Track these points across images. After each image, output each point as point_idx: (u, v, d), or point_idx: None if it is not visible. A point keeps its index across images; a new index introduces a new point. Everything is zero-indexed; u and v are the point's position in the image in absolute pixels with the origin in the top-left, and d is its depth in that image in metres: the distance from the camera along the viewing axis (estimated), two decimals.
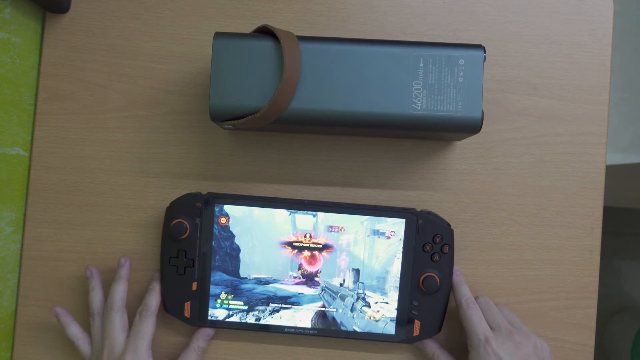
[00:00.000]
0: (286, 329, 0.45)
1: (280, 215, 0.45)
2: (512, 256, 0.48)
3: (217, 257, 0.45)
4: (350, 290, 0.45)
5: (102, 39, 0.49)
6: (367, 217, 0.45)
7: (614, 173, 1.06)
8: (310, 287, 0.45)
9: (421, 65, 0.39)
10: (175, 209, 0.45)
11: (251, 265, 0.45)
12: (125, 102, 0.48)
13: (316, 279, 0.45)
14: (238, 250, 0.45)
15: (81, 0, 0.49)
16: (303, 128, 0.43)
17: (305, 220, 0.45)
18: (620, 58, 1.29)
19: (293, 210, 0.45)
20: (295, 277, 0.45)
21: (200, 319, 0.45)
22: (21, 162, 0.48)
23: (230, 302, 0.45)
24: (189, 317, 0.45)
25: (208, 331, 0.46)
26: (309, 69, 0.39)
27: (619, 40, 1.29)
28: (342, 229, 0.45)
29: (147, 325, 0.43)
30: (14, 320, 0.48)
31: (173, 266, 0.45)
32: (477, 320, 0.42)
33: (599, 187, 0.48)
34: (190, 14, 0.49)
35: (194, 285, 0.45)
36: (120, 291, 0.44)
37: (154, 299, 0.44)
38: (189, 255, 0.45)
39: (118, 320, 0.43)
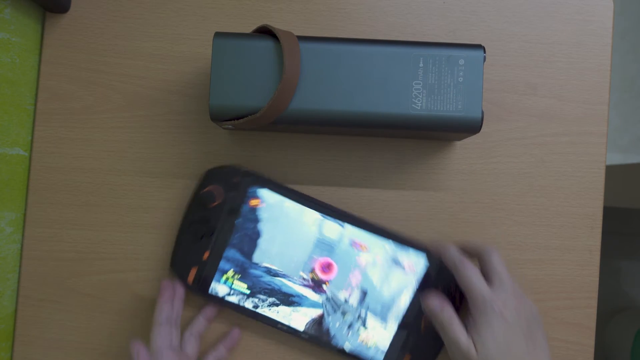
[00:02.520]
0: (279, 325, 0.45)
1: (311, 216, 0.45)
2: (512, 256, 0.48)
3: (237, 235, 0.45)
4: (353, 308, 0.45)
5: (102, 39, 0.49)
6: (392, 243, 0.45)
7: (614, 173, 1.06)
8: (315, 292, 0.45)
9: (421, 65, 0.39)
10: (213, 176, 0.45)
11: (266, 254, 0.45)
12: (125, 102, 0.48)
13: (324, 286, 0.45)
14: (259, 235, 0.45)
15: (81, 0, 0.49)
16: (303, 128, 0.43)
17: (332, 228, 0.45)
18: (620, 58, 1.29)
19: (325, 215, 0.45)
20: (304, 279, 0.45)
21: (201, 288, 0.45)
22: (21, 162, 0.48)
23: (235, 281, 0.45)
24: (191, 283, 0.45)
25: (209, 313, 0.46)
26: (309, 69, 0.39)
27: (619, 40, 1.29)
28: (365, 248, 0.45)
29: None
30: (14, 320, 0.48)
31: (192, 230, 0.45)
32: (476, 281, 0.39)
33: (599, 187, 0.48)
34: (190, 14, 0.49)
35: (206, 255, 0.45)
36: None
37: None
38: (211, 224, 0.45)
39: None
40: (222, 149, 0.48)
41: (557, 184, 0.48)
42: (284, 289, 0.45)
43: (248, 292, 0.45)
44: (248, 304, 0.45)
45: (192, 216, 0.45)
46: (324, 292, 0.45)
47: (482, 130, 0.48)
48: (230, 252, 0.45)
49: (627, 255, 1.25)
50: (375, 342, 0.45)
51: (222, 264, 0.45)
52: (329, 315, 0.45)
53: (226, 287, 0.45)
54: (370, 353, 0.45)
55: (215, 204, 0.44)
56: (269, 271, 0.45)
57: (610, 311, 1.23)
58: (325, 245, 0.45)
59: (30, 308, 0.48)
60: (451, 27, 0.49)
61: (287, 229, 0.45)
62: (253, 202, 0.45)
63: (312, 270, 0.45)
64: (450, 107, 0.39)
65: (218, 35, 0.40)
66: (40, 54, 0.49)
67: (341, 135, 0.48)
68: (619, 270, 1.25)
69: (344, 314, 0.45)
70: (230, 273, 0.45)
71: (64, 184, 0.48)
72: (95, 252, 0.48)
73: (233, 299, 0.45)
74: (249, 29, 0.48)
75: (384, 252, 0.45)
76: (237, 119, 0.40)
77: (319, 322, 0.45)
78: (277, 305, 0.45)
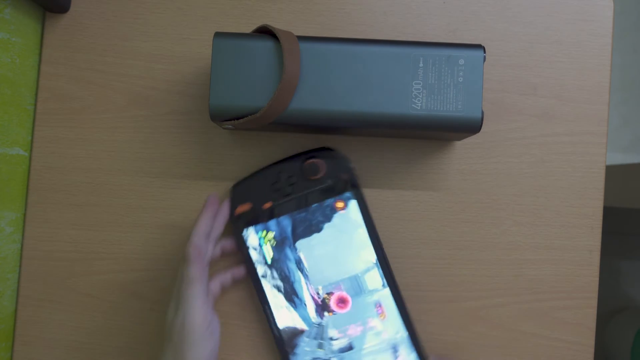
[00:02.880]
0: (266, 307, 0.45)
1: (369, 255, 0.45)
2: (512, 256, 0.48)
3: (303, 215, 0.45)
4: (331, 349, 0.45)
5: (102, 39, 0.49)
6: (406, 334, 0.45)
7: (614, 173, 1.06)
8: (315, 311, 0.45)
9: (421, 65, 0.39)
10: (329, 156, 0.45)
11: (309, 249, 0.45)
12: (125, 102, 0.48)
13: (326, 313, 0.45)
14: (318, 230, 0.45)
15: (81, 0, 0.49)
16: (303, 128, 0.43)
17: (374, 279, 0.45)
18: (620, 58, 1.29)
19: (379, 266, 0.45)
20: (317, 294, 0.45)
21: (238, 224, 0.45)
22: (21, 162, 0.48)
23: (267, 244, 0.45)
24: (235, 214, 0.45)
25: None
26: (309, 69, 0.39)
27: (619, 40, 1.29)
28: (383, 317, 0.45)
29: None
30: (14, 320, 0.48)
31: (276, 178, 0.45)
32: None
33: (599, 187, 0.48)
34: (190, 14, 0.49)
35: (267, 205, 0.45)
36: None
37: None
38: (293, 188, 0.45)
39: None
40: (222, 149, 0.48)
41: (557, 184, 0.48)
42: (296, 286, 0.45)
43: (269, 261, 0.45)
44: (260, 269, 0.45)
45: (286, 168, 0.45)
46: (322, 317, 0.45)
47: (482, 130, 0.48)
48: (285, 221, 0.45)
49: (627, 255, 1.25)
50: None
51: (271, 223, 0.45)
52: (308, 336, 0.45)
53: (257, 241, 0.45)
54: None
55: (311, 177, 0.45)
56: (298, 263, 0.45)
57: (610, 311, 1.23)
58: (357, 286, 0.45)
59: (30, 308, 0.48)
60: (451, 27, 0.49)
61: (342, 246, 0.45)
62: (338, 204, 0.45)
63: (329, 294, 0.45)
64: (450, 107, 0.39)
65: (218, 35, 0.40)
66: (40, 54, 0.49)
67: (341, 135, 0.48)
68: (619, 270, 1.25)
69: (320, 346, 0.45)
70: (270, 235, 0.45)
71: (64, 184, 0.48)
72: (95, 252, 0.48)
73: (253, 254, 0.45)
74: (249, 29, 0.48)
75: (393, 334, 0.45)
76: (237, 119, 0.40)
77: (296, 333, 0.45)
78: (279, 291, 0.45)
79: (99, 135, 0.48)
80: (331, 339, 0.45)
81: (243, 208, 0.45)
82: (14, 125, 0.46)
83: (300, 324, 0.45)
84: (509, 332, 0.48)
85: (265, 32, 0.41)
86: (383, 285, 0.45)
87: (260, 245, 0.45)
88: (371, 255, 0.45)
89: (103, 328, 0.48)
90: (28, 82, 0.48)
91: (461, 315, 0.48)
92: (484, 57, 0.40)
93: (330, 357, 0.45)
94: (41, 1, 0.46)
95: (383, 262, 0.45)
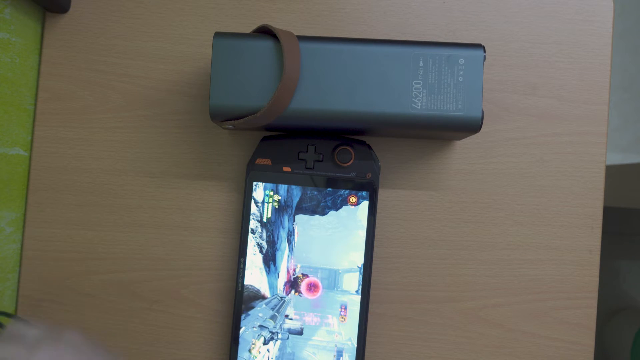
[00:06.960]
0: (241, 260, 0.45)
1: (356, 257, 0.45)
2: (512, 256, 0.48)
3: (314, 194, 0.45)
4: (281, 326, 0.45)
5: (102, 39, 0.49)
6: (353, 345, 0.45)
7: (614, 173, 1.06)
8: (284, 285, 0.45)
9: (421, 64, 0.39)
10: (364, 154, 0.45)
11: (304, 227, 0.45)
12: (125, 102, 0.48)
13: (292, 290, 0.45)
14: (321, 214, 0.45)
15: (81, 0, 0.49)
16: (303, 128, 0.43)
17: (351, 282, 0.45)
18: (620, 58, 1.29)
19: (360, 271, 0.45)
20: (294, 270, 0.45)
21: (253, 171, 0.45)
22: (21, 162, 0.48)
23: (269, 204, 0.45)
24: (255, 162, 0.45)
25: None
26: (309, 69, 0.39)
27: (619, 40, 1.29)
28: (343, 320, 0.45)
29: None
30: None
31: (306, 151, 0.45)
32: None
33: (599, 187, 0.48)
34: (190, 14, 0.49)
35: (287, 169, 0.45)
36: None
37: None
38: (317, 167, 0.45)
39: None
40: (222, 149, 0.48)
41: (557, 184, 0.48)
42: (277, 254, 0.45)
43: (264, 219, 0.45)
44: (252, 223, 0.45)
45: (318, 144, 0.45)
46: (287, 293, 0.45)
47: (482, 130, 0.48)
48: (295, 191, 0.45)
49: (627, 255, 1.25)
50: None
51: (281, 187, 0.45)
52: (267, 304, 0.45)
53: (262, 197, 0.45)
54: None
55: (339, 163, 0.45)
56: (290, 234, 0.45)
57: (610, 311, 1.23)
58: (333, 280, 0.45)
59: (30, 308, 0.48)
60: (451, 27, 0.49)
61: (337, 238, 0.45)
62: (351, 198, 0.45)
63: (304, 275, 0.45)
64: (450, 106, 0.39)
65: (218, 35, 0.40)
66: (40, 54, 0.49)
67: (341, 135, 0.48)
68: (619, 270, 1.25)
69: (273, 318, 0.45)
70: (276, 197, 0.45)
71: (64, 184, 0.48)
72: (95, 252, 0.48)
73: (253, 206, 0.45)
74: (249, 29, 0.48)
75: (345, 339, 0.45)
76: (237, 119, 0.40)
77: (257, 296, 0.45)
78: (260, 251, 0.45)
79: (99, 135, 0.48)
80: (287, 316, 0.45)
81: (263, 161, 0.45)
82: (14, 125, 0.46)
83: (265, 290, 0.45)
84: (509, 332, 0.48)
85: (265, 32, 0.41)
86: (357, 291, 0.45)
87: (263, 202, 0.45)
88: (359, 259, 0.45)
89: (103, 328, 0.48)
90: (28, 82, 0.48)
91: (461, 315, 0.48)
92: (484, 57, 0.40)
93: (278, 332, 0.45)
94: (41, 1, 0.46)
95: (367, 270, 0.45)
